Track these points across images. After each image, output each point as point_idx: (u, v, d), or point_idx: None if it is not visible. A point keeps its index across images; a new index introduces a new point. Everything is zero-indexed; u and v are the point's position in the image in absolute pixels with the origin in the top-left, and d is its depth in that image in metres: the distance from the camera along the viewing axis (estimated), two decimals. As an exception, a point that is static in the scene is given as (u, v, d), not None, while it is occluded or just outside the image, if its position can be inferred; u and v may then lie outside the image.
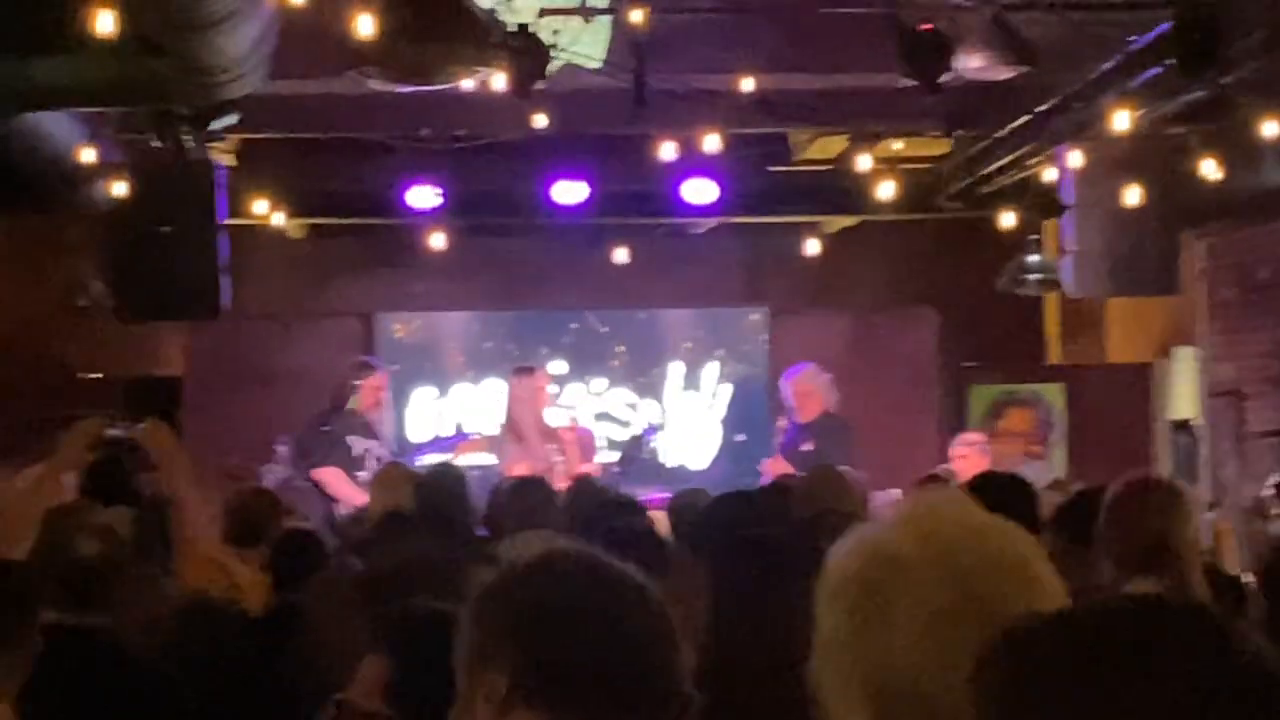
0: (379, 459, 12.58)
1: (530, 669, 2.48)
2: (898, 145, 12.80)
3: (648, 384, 16.05)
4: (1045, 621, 1.89)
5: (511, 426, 13.03)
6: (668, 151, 11.62)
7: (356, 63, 8.20)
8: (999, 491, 5.73)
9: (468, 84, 8.93)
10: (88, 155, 10.93)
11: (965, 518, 2.35)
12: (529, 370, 13.49)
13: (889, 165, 13.03)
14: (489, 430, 14.98)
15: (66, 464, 7.25)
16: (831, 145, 13.54)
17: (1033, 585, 2.27)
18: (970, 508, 2.39)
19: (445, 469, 9.42)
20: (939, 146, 12.98)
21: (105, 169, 11.13)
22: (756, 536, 5.17)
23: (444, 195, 13.48)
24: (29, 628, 4.90)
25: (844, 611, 2.26)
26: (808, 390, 13.39)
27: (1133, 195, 11.12)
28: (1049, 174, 12.10)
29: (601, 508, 7.70)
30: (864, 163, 12.27)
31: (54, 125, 10.54)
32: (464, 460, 12.91)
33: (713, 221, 14.40)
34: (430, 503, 8.16)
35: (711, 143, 11.32)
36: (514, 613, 2.54)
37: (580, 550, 2.69)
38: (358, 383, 12.93)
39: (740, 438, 15.82)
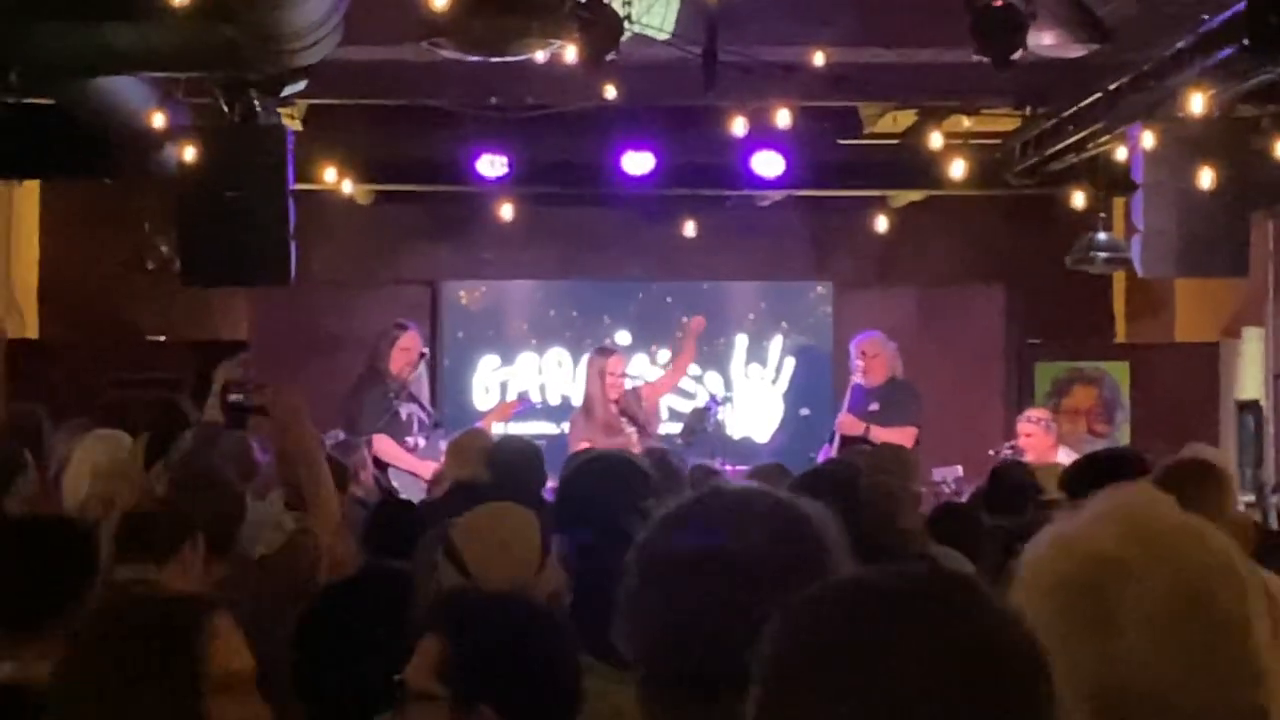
0: (420, 422, 12.63)
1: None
2: (967, 121, 12.75)
3: (712, 356, 16.03)
4: (823, 590, 1.93)
5: (585, 411, 13.01)
6: (737, 125, 11.59)
7: (429, 33, 8.20)
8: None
9: (539, 55, 8.93)
10: (158, 120, 10.96)
11: (1178, 518, 2.36)
12: (604, 351, 13.42)
13: (959, 141, 12.98)
14: (552, 401, 15.09)
15: None
16: (901, 119, 13.49)
17: (1242, 584, 2.29)
18: (1175, 507, 2.40)
19: (517, 439, 9.40)
20: (1009, 122, 12.92)
21: (175, 133, 11.16)
22: None
23: (512, 164, 13.50)
24: (91, 586, 4.91)
25: (1056, 614, 2.27)
26: (875, 353, 13.34)
27: (1203, 175, 11.04)
28: (1119, 152, 12.03)
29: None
30: (934, 139, 12.22)
31: (125, 90, 10.57)
32: (499, 428, 12.84)
33: (780, 194, 14.37)
34: (504, 473, 8.12)
35: (781, 116, 11.29)
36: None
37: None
38: (393, 341, 12.87)
39: (804, 412, 15.81)
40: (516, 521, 4.53)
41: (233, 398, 7.11)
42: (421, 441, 12.54)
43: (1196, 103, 9.74)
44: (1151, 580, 2.25)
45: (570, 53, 8.77)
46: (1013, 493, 8.55)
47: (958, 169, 12.77)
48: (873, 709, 1.78)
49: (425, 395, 13.28)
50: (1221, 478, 6.28)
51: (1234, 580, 2.30)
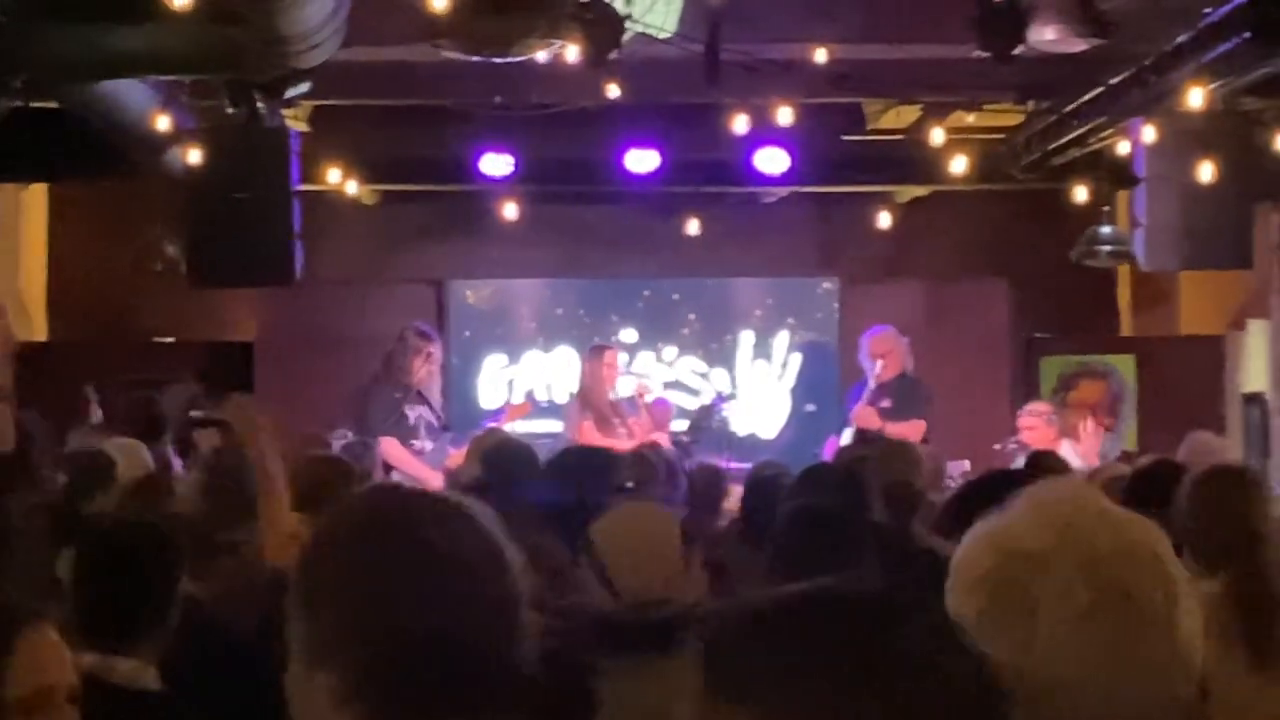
0: (429, 425, 12.66)
1: (359, 680, 2.34)
2: (970, 117, 12.76)
3: (718, 353, 16.07)
4: (742, 613, 1.88)
5: (581, 400, 13.09)
6: (740, 122, 11.60)
7: (431, 33, 8.23)
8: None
9: (541, 55, 8.95)
10: (164, 122, 11.00)
11: (1097, 509, 2.38)
12: (598, 350, 13.50)
13: (962, 136, 12.99)
14: (559, 399, 15.11)
15: None
16: (904, 115, 13.50)
17: (1165, 576, 2.31)
18: (1099, 499, 2.42)
19: (510, 439, 9.44)
20: (1012, 117, 12.93)
21: (181, 135, 11.19)
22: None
23: (517, 162, 13.52)
24: (174, 593, 4.90)
25: (978, 608, 2.30)
26: (888, 349, 13.36)
27: (1206, 169, 11.05)
28: (1122, 146, 12.04)
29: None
30: (937, 135, 12.23)
31: (131, 92, 10.61)
32: (513, 427, 12.90)
33: (784, 190, 14.39)
34: (495, 472, 8.16)
35: (784, 113, 11.31)
36: (339, 615, 2.37)
37: (406, 515, 2.44)
38: (420, 352, 12.91)
39: (810, 407, 15.83)
40: (657, 524, 4.32)
41: (193, 413, 7.21)
42: (429, 445, 12.57)
43: (1198, 96, 9.75)
44: (1064, 571, 2.27)
45: (572, 52, 8.80)
46: None
47: (961, 164, 12.78)
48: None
49: (437, 397, 13.31)
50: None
51: (1156, 572, 2.32)
